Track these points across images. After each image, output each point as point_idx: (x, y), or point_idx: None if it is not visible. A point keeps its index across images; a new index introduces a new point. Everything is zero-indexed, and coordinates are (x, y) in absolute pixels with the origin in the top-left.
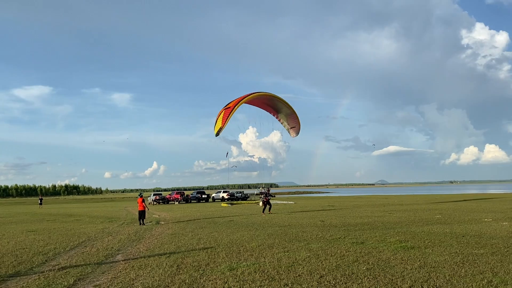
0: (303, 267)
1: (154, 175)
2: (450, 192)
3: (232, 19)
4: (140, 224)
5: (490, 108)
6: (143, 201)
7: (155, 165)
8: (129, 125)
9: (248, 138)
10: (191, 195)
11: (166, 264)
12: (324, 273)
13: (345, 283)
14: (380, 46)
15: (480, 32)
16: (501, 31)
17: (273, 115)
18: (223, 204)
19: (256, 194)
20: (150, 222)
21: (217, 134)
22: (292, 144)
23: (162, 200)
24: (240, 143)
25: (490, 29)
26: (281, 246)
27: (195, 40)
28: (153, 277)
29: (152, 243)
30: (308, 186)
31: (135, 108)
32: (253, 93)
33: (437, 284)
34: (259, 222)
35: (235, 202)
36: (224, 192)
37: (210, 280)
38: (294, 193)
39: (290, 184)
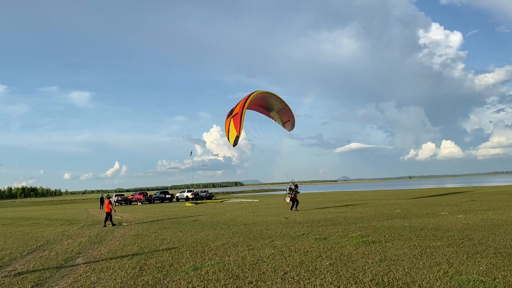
0: (268, 264)
1: (116, 175)
2: (409, 187)
3: (194, 16)
4: (104, 226)
5: (446, 106)
6: (110, 203)
7: (117, 165)
8: (89, 125)
9: (212, 137)
10: (154, 195)
11: (129, 266)
12: (288, 269)
13: (309, 279)
14: (342, 45)
15: (436, 32)
16: (455, 31)
17: (266, 115)
18: (188, 204)
19: (290, 190)
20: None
21: (235, 144)
22: (256, 142)
23: (125, 201)
24: (205, 142)
25: (445, 29)
26: (245, 244)
27: (156, 38)
28: (115, 279)
29: (114, 245)
30: (273, 183)
31: (95, 107)
32: (250, 95)
33: (397, 277)
34: (223, 221)
35: (199, 201)
36: (188, 191)
37: (174, 281)
38: (259, 191)
39: (255, 182)
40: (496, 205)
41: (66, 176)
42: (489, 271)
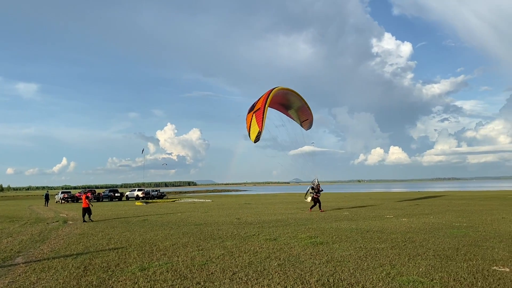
0: (217, 265)
1: (63, 171)
2: (358, 190)
3: (150, 11)
4: (84, 221)
5: (395, 113)
6: (87, 198)
7: (64, 161)
8: (35, 118)
9: (166, 135)
10: (103, 194)
11: (72, 265)
12: (236, 270)
13: (257, 279)
14: (298, 49)
15: (388, 41)
16: (406, 41)
17: (284, 113)
18: (138, 203)
19: (313, 189)
20: (57, 221)
21: (257, 140)
22: (211, 142)
23: (71, 198)
24: (158, 140)
25: (396, 39)
26: (195, 244)
27: (110, 31)
28: (56, 279)
29: (57, 244)
30: (227, 184)
31: (42, 99)
32: (271, 90)
33: (342, 277)
34: (174, 221)
35: (150, 200)
36: (139, 190)
37: (119, 281)
38: (212, 191)
39: (208, 182)
40: (437, 209)
41: (9, 171)
42: (428, 272)
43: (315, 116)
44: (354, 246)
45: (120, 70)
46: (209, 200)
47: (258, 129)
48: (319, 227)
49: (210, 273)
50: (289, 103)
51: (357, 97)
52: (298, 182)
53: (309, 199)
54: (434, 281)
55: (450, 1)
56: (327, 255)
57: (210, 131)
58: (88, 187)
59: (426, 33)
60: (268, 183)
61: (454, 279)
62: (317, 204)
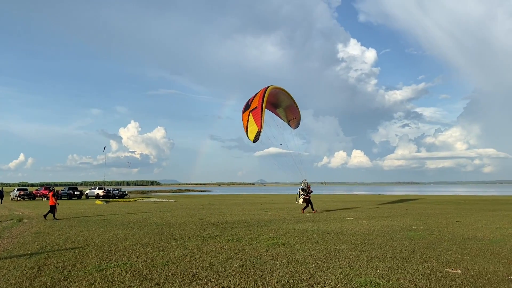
0: (177, 265)
1: (20, 168)
2: (321, 192)
3: (116, 6)
4: (45, 219)
5: (358, 118)
6: (54, 195)
7: (21, 157)
8: None
9: (129, 133)
10: (61, 191)
11: (26, 265)
12: (197, 271)
13: (217, 280)
14: (266, 51)
15: (354, 47)
16: (370, 48)
17: (272, 112)
18: (98, 202)
19: (303, 190)
20: (11, 219)
21: (257, 139)
22: (176, 141)
23: (28, 195)
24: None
25: (361, 45)
26: (156, 245)
27: (73, 24)
28: (8, 280)
29: (11, 243)
30: (191, 184)
31: None
32: (266, 89)
33: (302, 279)
34: (135, 221)
35: (111, 199)
36: (99, 188)
37: (75, 282)
38: (176, 191)
39: (172, 182)
40: (396, 212)
41: None
42: (385, 273)
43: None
44: (315, 248)
45: (83, 64)
46: (172, 200)
47: (257, 129)
48: (282, 228)
49: (170, 274)
50: (278, 101)
51: (322, 101)
52: (263, 183)
53: (300, 201)
54: (391, 282)
55: (414, 10)
56: (288, 256)
57: (175, 130)
58: (47, 185)
59: (390, 40)
60: (233, 183)
61: (410, 281)
62: (309, 205)
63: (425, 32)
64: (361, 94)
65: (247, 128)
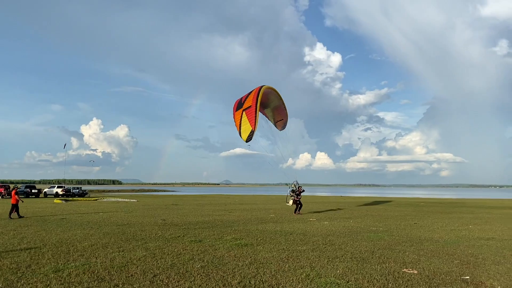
0: (137, 266)
1: None
2: (285, 193)
3: (79, 0)
4: (10, 218)
5: (323, 120)
6: (17, 193)
7: None
8: None
9: (91, 130)
10: (18, 189)
11: None
12: (158, 272)
13: (178, 282)
14: (234, 52)
15: (320, 51)
16: (336, 52)
17: (260, 111)
18: (56, 201)
19: (293, 192)
20: None
21: (250, 139)
22: (140, 140)
23: None
24: (82, 135)
25: (327, 50)
26: (116, 245)
27: (33, 17)
28: None
29: None
30: (154, 184)
31: None
32: (260, 88)
33: (263, 279)
34: (95, 221)
35: (70, 198)
36: (58, 187)
37: (29, 284)
38: (138, 190)
39: (135, 181)
40: (357, 214)
41: None
42: (345, 274)
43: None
44: (277, 248)
45: (43, 58)
46: (134, 200)
47: (251, 128)
48: (245, 229)
49: (130, 275)
50: (268, 101)
51: (288, 103)
52: (228, 184)
53: (290, 202)
54: (350, 282)
55: (378, 17)
56: (250, 257)
57: (139, 128)
58: (2, 182)
59: (355, 45)
60: (198, 184)
61: (368, 281)
62: (298, 206)
63: (388, 39)
64: (326, 97)
65: (240, 127)
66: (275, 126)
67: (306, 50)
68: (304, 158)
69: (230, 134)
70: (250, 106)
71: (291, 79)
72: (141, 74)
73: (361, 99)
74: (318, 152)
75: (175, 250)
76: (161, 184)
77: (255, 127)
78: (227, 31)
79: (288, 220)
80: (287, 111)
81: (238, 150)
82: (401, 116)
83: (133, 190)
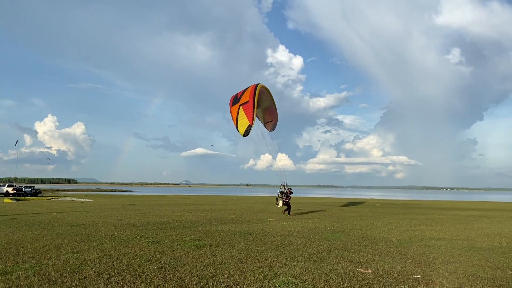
0: (92, 268)
1: None
2: (246, 194)
3: None
4: None
5: (284, 122)
6: None
7: None
8: None
9: (46, 127)
10: None
11: None
12: (113, 273)
13: (134, 283)
14: (196, 51)
15: (282, 53)
16: (297, 55)
17: None
18: (7, 200)
19: (282, 193)
20: None
21: (247, 133)
22: (97, 138)
23: None
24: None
25: (289, 52)
26: (70, 246)
27: None
28: None
29: None
30: (111, 183)
31: None
32: (256, 86)
33: (221, 280)
34: (48, 221)
35: (22, 198)
36: (9, 186)
37: None
38: (95, 190)
39: (91, 180)
40: (315, 214)
41: None
42: (302, 274)
43: (209, 119)
44: (236, 249)
45: None
46: (90, 200)
47: (248, 123)
48: (204, 230)
49: (83, 277)
50: (260, 101)
51: None
52: (188, 184)
53: (280, 203)
54: (307, 282)
55: (338, 22)
56: (209, 258)
57: (96, 126)
58: None
59: (316, 49)
60: (157, 184)
61: (324, 280)
62: (288, 208)
63: (348, 44)
64: (287, 99)
65: (236, 121)
66: (265, 126)
67: (269, 51)
68: (265, 159)
69: (191, 133)
70: (247, 102)
71: (254, 80)
72: (100, 71)
73: (321, 102)
74: (279, 153)
75: (132, 251)
76: (118, 183)
77: (252, 122)
78: (190, 30)
79: (247, 220)
80: (277, 112)
81: (199, 150)
82: (359, 119)
83: (89, 190)
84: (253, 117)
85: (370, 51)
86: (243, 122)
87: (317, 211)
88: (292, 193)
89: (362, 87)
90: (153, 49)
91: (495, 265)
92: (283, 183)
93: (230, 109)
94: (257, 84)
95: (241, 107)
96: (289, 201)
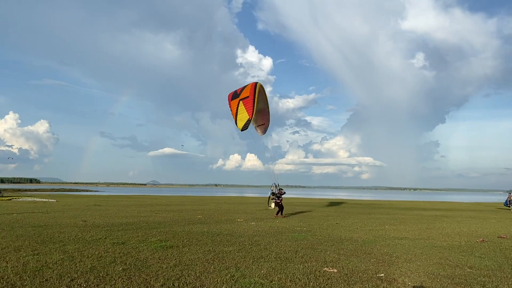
0: (53, 270)
1: None
2: (214, 194)
3: None
4: None
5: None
6: None
7: None
8: None
9: (7, 124)
10: None
11: None
12: (76, 276)
13: (97, 285)
14: (165, 49)
15: (252, 54)
16: (267, 56)
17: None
18: None
19: (273, 194)
20: None
21: (246, 127)
22: (61, 136)
23: None
24: None
25: (259, 53)
26: (30, 248)
27: None
28: None
29: None
30: (76, 183)
31: None
32: (256, 84)
33: (188, 281)
34: (7, 222)
35: None
36: None
37: None
38: (58, 190)
39: (55, 180)
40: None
41: None
42: (269, 274)
43: (178, 119)
44: (203, 250)
45: None
46: (53, 200)
47: (248, 117)
48: (171, 231)
49: (44, 279)
50: (258, 100)
51: (220, 104)
52: (155, 184)
53: (272, 205)
54: (273, 282)
55: (307, 24)
56: (175, 259)
57: (60, 124)
58: None
59: (285, 51)
60: (123, 184)
61: (291, 280)
62: (280, 209)
63: (317, 46)
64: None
65: (236, 115)
66: (256, 129)
67: (239, 52)
68: (234, 159)
69: (160, 133)
70: (247, 97)
71: (223, 80)
72: (65, 67)
73: (290, 103)
74: (248, 153)
75: (96, 252)
76: (83, 183)
77: (252, 116)
78: (159, 28)
79: (215, 221)
80: (269, 116)
81: (167, 150)
82: (327, 121)
83: (52, 190)
84: (253, 111)
85: (338, 54)
86: (243, 116)
87: (284, 211)
88: (284, 193)
89: (330, 89)
90: (120, 46)
91: (454, 263)
92: (274, 184)
93: (230, 104)
94: (256, 82)
95: (241, 102)
96: (281, 201)
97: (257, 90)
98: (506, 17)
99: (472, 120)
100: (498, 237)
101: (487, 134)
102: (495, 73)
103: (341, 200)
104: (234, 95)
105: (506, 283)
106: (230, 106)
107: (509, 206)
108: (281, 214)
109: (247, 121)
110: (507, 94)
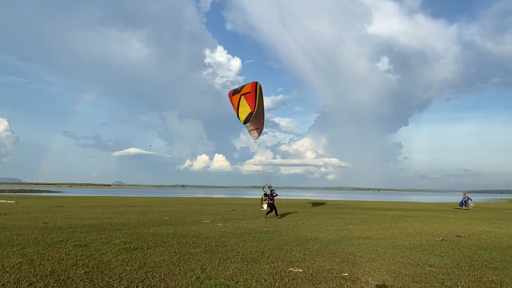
0: (11, 275)
1: None
2: (181, 195)
3: None
4: None
5: (222, 123)
6: None
7: None
8: None
9: None
10: None
11: None
12: (35, 280)
13: None
14: (131, 48)
15: (220, 54)
16: (236, 57)
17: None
18: None
19: (266, 195)
20: None
21: (247, 121)
22: (22, 135)
23: None
24: None
25: (228, 53)
26: None
27: None
28: None
29: None
30: (37, 184)
31: None
32: (256, 83)
33: (152, 284)
34: None
35: None
36: None
37: None
38: (18, 191)
39: (14, 180)
40: (250, 215)
41: None
42: (235, 275)
43: (144, 118)
44: (169, 251)
45: None
46: (12, 201)
47: (250, 110)
48: (136, 232)
49: (0, 284)
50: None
51: (187, 104)
52: (120, 185)
53: (265, 206)
54: (239, 283)
55: (276, 26)
56: (140, 261)
57: (21, 123)
58: None
59: (254, 51)
60: (87, 185)
61: (256, 281)
62: (273, 210)
63: (285, 48)
64: (225, 100)
65: (238, 109)
66: (250, 133)
67: (207, 52)
68: (202, 160)
69: (125, 132)
70: (249, 92)
71: (191, 79)
72: (26, 64)
73: None
74: (216, 154)
75: (57, 255)
76: (45, 184)
77: (254, 109)
78: (125, 26)
79: (182, 222)
80: (264, 120)
81: (132, 150)
82: (295, 122)
83: (11, 191)
84: (255, 105)
85: (306, 56)
86: (245, 109)
87: (251, 212)
88: (277, 195)
89: (298, 91)
90: (85, 44)
91: (415, 261)
92: (266, 185)
93: (231, 99)
94: (257, 82)
95: (242, 96)
96: (274, 202)
97: (258, 87)
98: (465, 24)
99: (434, 122)
100: (457, 236)
101: (448, 137)
102: (456, 78)
103: (307, 201)
104: (235, 92)
105: (464, 280)
106: (231, 101)
107: (463, 207)
108: (276, 214)
109: (248, 114)
110: (465, 98)
